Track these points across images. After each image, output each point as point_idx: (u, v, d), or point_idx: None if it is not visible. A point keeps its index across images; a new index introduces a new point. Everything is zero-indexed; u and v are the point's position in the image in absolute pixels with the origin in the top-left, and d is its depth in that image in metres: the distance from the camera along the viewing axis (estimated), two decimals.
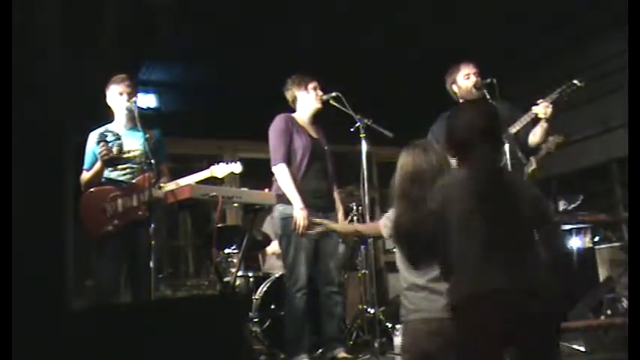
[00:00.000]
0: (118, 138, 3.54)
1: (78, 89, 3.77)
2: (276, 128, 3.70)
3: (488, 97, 3.69)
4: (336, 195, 3.88)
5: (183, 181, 3.36)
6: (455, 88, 3.96)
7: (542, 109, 3.53)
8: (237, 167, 3.48)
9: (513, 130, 3.64)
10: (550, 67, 5.59)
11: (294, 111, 3.86)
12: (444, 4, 4.69)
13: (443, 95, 3.99)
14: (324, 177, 3.77)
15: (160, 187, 3.35)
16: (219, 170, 3.45)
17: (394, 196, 2.29)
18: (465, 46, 4.90)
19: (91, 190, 3.49)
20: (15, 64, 1.75)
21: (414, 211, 2.12)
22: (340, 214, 3.87)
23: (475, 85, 3.81)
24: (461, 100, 3.97)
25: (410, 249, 2.20)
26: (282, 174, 3.60)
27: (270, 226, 5.01)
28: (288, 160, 3.64)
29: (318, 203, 3.65)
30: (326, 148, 3.82)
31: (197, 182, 3.37)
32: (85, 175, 3.55)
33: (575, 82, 3.47)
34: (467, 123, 2.01)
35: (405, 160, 2.30)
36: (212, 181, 3.48)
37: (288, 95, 3.86)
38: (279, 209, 3.62)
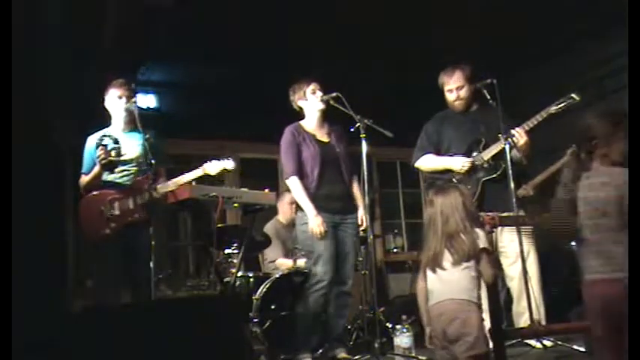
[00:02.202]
0: (116, 142, 3.56)
1: (78, 90, 3.78)
2: (284, 142, 3.77)
3: (488, 97, 3.68)
4: (356, 194, 3.86)
5: (177, 181, 3.35)
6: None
7: (517, 136, 3.54)
8: (229, 164, 3.44)
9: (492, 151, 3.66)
10: (550, 67, 5.59)
11: (302, 118, 3.88)
12: (443, 5, 4.68)
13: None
14: (339, 180, 3.79)
15: (156, 190, 3.35)
16: (212, 167, 3.41)
17: (426, 228, 2.71)
18: (465, 46, 4.90)
19: (90, 194, 3.51)
20: (15, 64, 1.75)
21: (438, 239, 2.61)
22: (360, 212, 3.83)
23: (455, 101, 3.82)
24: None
25: None
26: (294, 186, 3.70)
27: (272, 227, 5.02)
28: (300, 171, 3.70)
29: (334, 207, 3.71)
30: (338, 150, 3.82)
31: (194, 181, 3.36)
32: (84, 179, 3.56)
33: (572, 95, 3.50)
34: (583, 131, 2.36)
35: (433, 198, 2.73)
36: (211, 180, 3.47)
37: (295, 106, 3.88)
38: (299, 215, 3.75)
